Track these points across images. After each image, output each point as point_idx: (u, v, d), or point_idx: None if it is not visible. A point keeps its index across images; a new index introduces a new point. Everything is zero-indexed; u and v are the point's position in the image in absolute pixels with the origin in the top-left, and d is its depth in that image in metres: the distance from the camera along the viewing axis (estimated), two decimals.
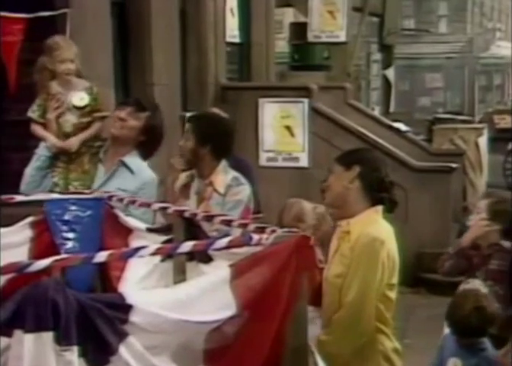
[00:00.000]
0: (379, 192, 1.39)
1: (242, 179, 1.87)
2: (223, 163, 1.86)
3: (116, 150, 1.85)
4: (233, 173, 1.87)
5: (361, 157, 1.42)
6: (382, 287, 1.36)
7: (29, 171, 1.85)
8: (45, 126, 1.86)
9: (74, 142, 1.83)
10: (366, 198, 1.39)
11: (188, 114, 3.03)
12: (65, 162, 1.84)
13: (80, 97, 1.83)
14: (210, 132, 1.84)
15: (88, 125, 1.86)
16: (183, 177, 1.87)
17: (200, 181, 1.85)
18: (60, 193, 1.55)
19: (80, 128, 1.85)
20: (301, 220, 1.62)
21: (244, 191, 1.84)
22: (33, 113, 1.87)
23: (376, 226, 1.38)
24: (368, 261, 1.34)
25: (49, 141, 1.83)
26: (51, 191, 1.72)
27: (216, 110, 2.48)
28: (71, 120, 1.84)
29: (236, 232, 1.29)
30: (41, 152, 1.85)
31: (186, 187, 1.86)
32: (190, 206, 1.74)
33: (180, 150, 1.88)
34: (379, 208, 1.40)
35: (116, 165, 1.84)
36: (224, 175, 1.84)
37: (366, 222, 1.38)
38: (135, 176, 1.83)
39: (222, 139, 1.86)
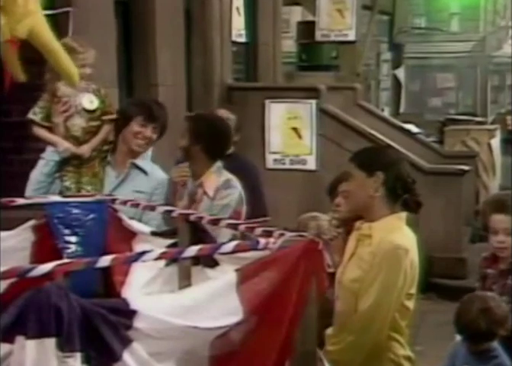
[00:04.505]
0: (403, 195, 1.36)
1: (234, 182, 1.82)
2: (217, 165, 1.83)
3: (128, 154, 1.83)
4: (227, 175, 1.83)
5: (383, 162, 1.37)
6: (401, 297, 1.32)
7: (37, 177, 1.82)
8: (49, 129, 1.82)
9: (87, 150, 1.80)
10: (390, 203, 1.36)
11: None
12: (75, 166, 1.81)
13: (90, 100, 1.80)
14: (203, 130, 1.81)
15: (96, 129, 1.83)
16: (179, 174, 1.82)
17: (193, 182, 1.81)
18: (63, 196, 1.54)
19: (90, 132, 1.82)
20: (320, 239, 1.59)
21: (232, 195, 1.79)
22: (35, 115, 1.81)
23: (400, 234, 1.34)
24: (390, 268, 1.31)
25: (61, 146, 1.79)
26: (60, 193, 1.70)
27: (222, 112, 2.45)
28: (80, 123, 1.81)
29: (225, 234, 1.25)
30: (50, 158, 1.82)
31: (182, 187, 1.82)
32: (181, 207, 1.70)
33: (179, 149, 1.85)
34: (403, 215, 1.37)
35: (128, 167, 1.83)
36: (216, 177, 1.80)
37: (389, 228, 1.34)
38: (149, 177, 1.82)
39: (215, 138, 1.82)
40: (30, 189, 1.80)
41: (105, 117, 1.83)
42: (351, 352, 1.32)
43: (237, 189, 1.82)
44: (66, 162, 1.82)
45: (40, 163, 1.84)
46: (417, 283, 1.35)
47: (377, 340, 1.31)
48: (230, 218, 1.55)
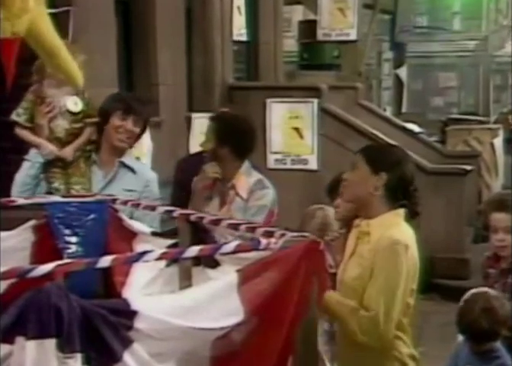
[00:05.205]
0: (402, 200, 1.36)
1: (266, 182, 1.82)
2: (246, 165, 1.82)
3: (113, 152, 1.82)
4: (257, 175, 1.82)
5: (390, 163, 1.36)
6: (405, 293, 1.32)
7: (23, 179, 1.80)
8: (32, 130, 1.80)
9: (70, 152, 1.79)
10: (387, 203, 1.36)
11: (195, 115, 2.98)
12: (61, 168, 1.80)
13: (74, 102, 1.78)
14: (229, 131, 1.81)
15: (79, 130, 1.82)
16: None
17: (223, 184, 1.81)
18: (63, 196, 1.53)
19: (72, 134, 1.81)
20: (326, 230, 1.58)
21: (268, 195, 1.79)
22: (18, 116, 1.79)
23: (398, 230, 1.34)
24: (391, 266, 1.30)
25: (45, 148, 1.78)
26: (47, 193, 1.69)
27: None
28: (63, 125, 1.79)
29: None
30: (36, 160, 1.80)
31: (208, 189, 1.81)
32: (212, 209, 1.71)
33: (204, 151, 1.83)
34: (401, 211, 1.36)
35: (116, 166, 1.82)
36: (247, 178, 1.80)
37: (387, 224, 1.34)
38: (138, 175, 1.81)
39: (241, 138, 1.82)
40: (15, 191, 1.78)
41: (87, 120, 1.82)
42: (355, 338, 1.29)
43: (271, 189, 1.81)
44: (51, 164, 1.80)
45: (25, 165, 1.82)
46: (417, 279, 1.35)
47: (386, 339, 1.29)
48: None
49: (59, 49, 1.30)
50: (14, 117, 1.82)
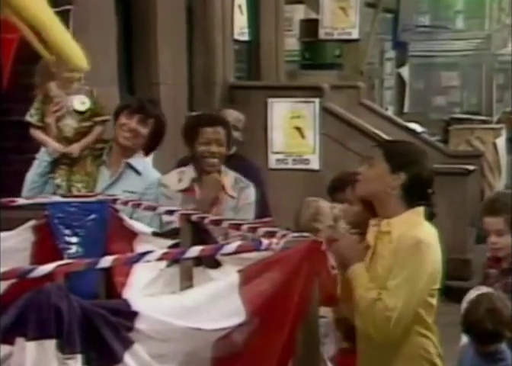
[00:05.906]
0: (418, 201, 1.34)
1: (243, 179, 1.84)
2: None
3: (122, 153, 1.83)
4: (231, 173, 1.83)
5: (409, 163, 1.33)
6: (424, 293, 1.30)
7: (31, 177, 1.83)
8: (44, 130, 1.83)
9: (76, 149, 1.81)
10: (404, 203, 1.34)
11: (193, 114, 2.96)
12: (67, 165, 1.82)
13: (81, 102, 1.80)
14: (231, 133, 1.84)
15: (88, 129, 1.84)
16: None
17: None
18: (63, 196, 1.53)
19: (81, 133, 1.83)
20: (317, 220, 1.58)
21: (252, 192, 1.81)
22: (31, 117, 1.83)
23: (421, 229, 1.32)
24: (413, 264, 1.28)
25: (50, 146, 1.81)
26: (54, 193, 1.71)
27: (231, 112, 2.40)
28: (71, 124, 1.82)
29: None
30: (42, 158, 1.83)
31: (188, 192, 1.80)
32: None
33: (212, 156, 1.78)
34: (421, 209, 1.34)
35: (122, 167, 1.83)
36: (227, 176, 1.81)
37: (409, 223, 1.32)
38: (142, 177, 1.82)
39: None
40: (25, 189, 1.81)
41: (96, 119, 1.83)
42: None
43: (251, 185, 1.83)
44: (58, 161, 1.82)
45: (35, 164, 1.85)
46: (440, 279, 1.33)
47: (393, 337, 1.28)
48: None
49: (50, 26, 1.26)
50: (27, 118, 1.84)
